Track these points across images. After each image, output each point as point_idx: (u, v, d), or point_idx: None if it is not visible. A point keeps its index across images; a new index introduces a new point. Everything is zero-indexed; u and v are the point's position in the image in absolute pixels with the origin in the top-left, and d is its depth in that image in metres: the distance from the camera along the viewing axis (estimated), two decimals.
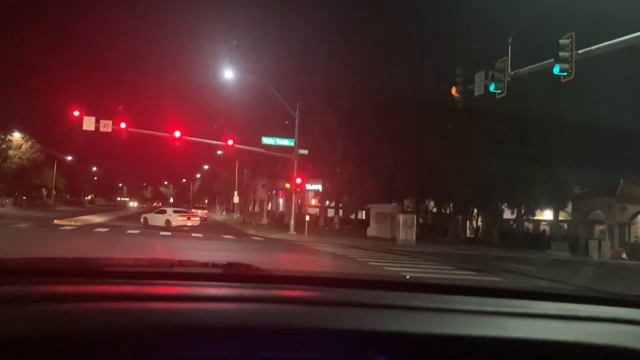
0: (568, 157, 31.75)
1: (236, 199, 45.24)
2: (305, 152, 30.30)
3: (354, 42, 40.32)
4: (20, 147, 53.67)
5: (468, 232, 41.22)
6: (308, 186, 32.76)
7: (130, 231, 23.25)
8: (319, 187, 36.04)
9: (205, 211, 53.42)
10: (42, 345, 1.01)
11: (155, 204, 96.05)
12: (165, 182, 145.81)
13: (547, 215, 40.86)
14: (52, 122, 48.83)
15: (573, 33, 13.25)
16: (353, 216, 46.31)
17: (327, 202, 44.77)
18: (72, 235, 19.58)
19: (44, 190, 67.84)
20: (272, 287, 1.52)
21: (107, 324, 1.09)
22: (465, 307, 1.37)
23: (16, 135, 53.73)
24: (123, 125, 26.30)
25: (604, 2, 18.08)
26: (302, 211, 36.26)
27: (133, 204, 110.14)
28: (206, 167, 78.12)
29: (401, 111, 33.76)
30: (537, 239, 34.93)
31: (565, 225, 40.49)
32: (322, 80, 35.53)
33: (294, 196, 30.71)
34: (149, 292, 1.34)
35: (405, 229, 28.68)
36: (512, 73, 15.47)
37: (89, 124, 25.77)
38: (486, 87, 16.01)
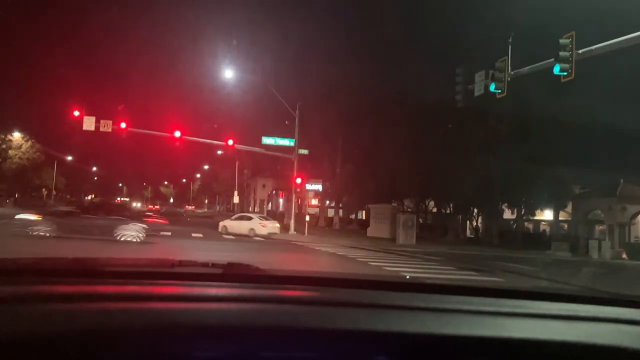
0: (568, 157, 31.72)
1: (236, 199, 45.24)
2: (305, 152, 30.31)
3: (354, 42, 40.30)
4: (20, 147, 53.63)
5: (468, 232, 41.22)
6: (308, 186, 32.77)
7: None
8: (319, 187, 36.05)
9: (193, 207, 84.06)
10: (42, 345, 1.01)
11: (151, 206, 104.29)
12: (165, 182, 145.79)
13: (547, 215, 40.86)
14: (52, 122, 48.81)
15: (573, 33, 13.24)
16: (353, 216, 46.31)
17: (327, 202, 44.76)
18: None
19: (44, 190, 67.83)
20: (272, 287, 1.52)
21: (107, 324, 1.09)
22: (465, 307, 1.37)
23: (16, 135, 53.67)
24: (123, 125, 26.32)
25: (604, 2, 18.08)
26: (302, 211, 36.28)
27: (137, 204, 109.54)
28: (206, 167, 78.19)
29: (401, 111, 33.76)
30: (537, 239, 34.93)
31: (565, 225, 40.49)
32: (322, 80, 35.53)
33: (294, 196, 30.71)
34: (149, 292, 1.34)
35: (405, 229, 28.67)
36: (512, 73, 15.47)
37: (89, 124, 25.79)
38: (486, 87, 16.00)
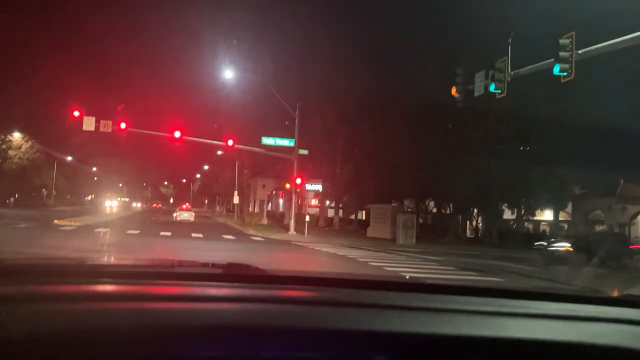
0: (568, 157, 31.75)
1: (236, 200, 45.20)
2: (305, 152, 30.28)
3: (353, 42, 40.29)
4: (20, 147, 53.56)
5: (468, 232, 41.22)
6: (308, 186, 32.74)
7: (130, 231, 23.25)
8: (319, 187, 36.02)
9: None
10: (42, 345, 1.01)
11: (155, 205, 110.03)
12: (165, 182, 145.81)
13: (547, 215, 40.87)
14: (52, 122, 48.74)
15: (573, 33, 13.22)
16: (353, 216, 46.30)
17: (327, 202, 44.75)
18: (72, 235, 19.57)
19: (44, 190, 67.78)
20: (272, 288, 1.52)
21: (107, 324, 1.09)
22: (465, 307, 1.37)
23: (16, 135, 53.59)
24: (123, 125, 26.28)
25: (604, 2, 18.07)
26: (302, 211, 36.24)
27: (137, 204, 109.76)
28: (206, 167, 78.07)
29: (401, 111, 33.77)
30: (537, 239, 34.87)
31: (565, 225, 40.51)
32: (322, 81, 35.53)
33: (294, 196, 30.68)
34: (149, 292, 1.34)
35: (405, 229, 28.65)
36: (512, 73, 15.45)
37: (89, 124, 25.76)
38: (486, 87, 15.98)
